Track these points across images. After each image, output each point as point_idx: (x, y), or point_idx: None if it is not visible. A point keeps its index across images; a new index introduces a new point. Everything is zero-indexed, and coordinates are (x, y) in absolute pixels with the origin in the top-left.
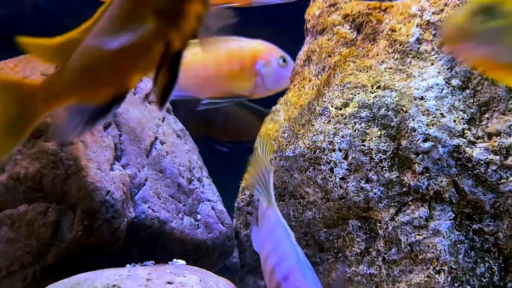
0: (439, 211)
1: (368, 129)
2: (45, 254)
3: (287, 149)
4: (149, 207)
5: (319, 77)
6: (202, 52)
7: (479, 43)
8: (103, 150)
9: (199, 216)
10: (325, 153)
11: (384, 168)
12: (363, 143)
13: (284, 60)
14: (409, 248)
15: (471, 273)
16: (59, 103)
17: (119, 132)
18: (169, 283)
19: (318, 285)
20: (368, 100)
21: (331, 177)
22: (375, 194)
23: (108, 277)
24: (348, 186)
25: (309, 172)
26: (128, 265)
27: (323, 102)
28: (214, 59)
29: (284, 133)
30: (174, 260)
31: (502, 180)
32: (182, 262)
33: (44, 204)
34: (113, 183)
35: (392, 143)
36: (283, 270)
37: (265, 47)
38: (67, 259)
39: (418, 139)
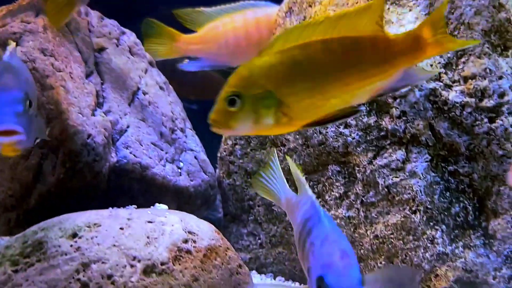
0: (415, 153)
1: None
2: (27, 197)
3: None
4: (130, 153)
5: None
6: (232, 22)
7: None
8: (85, 96)
9: (181, 164)
10: None
11: (362, 113)
12: None
13: None
14: (386, 190)
15: (446, 213)
16: None
17: (101, 81)
18: (150, 222)
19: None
20: None
21: None
22: (353, 138)
23: (90, 216)
24: (327, 132)
25: None
26: (110, 208)
27: None
28: (244, 27)
29: None
30: (156, 204)
31: (477, 122)
32: (164, 206)
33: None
34: (94, 127)
35: None
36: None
37: None
38: (50, 203)
39: None
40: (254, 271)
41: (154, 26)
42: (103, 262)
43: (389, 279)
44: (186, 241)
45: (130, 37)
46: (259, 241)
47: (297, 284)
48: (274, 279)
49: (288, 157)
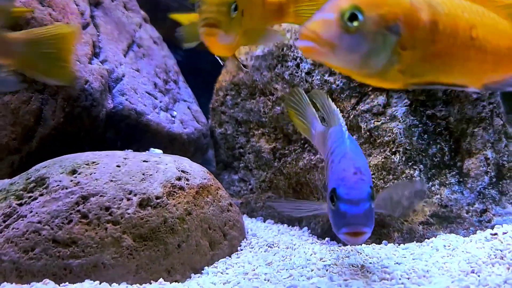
0: (396, 98)
1: None
2: (30, 140)
3: (257, 49)
4: (126, 99)
5: None
6: None
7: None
8: (82, 45)
9: (175, 113)
10: (292, 49)
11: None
12: None
13: None
14: (368, 133)
15: (423, 154)
16: None
17: (98, 33)
18: (145, 161)
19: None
20: None
21: (297, 72)
22: (338, 86)
23: (88, 155)
24: (313, 80)
25: (277, 69)
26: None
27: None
28: None
29: None
30: (151, 148)
31: None
32: (159, 151)
33: (27, 93)
34: (92, 74)
35: None
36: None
37: None
38: (51, 146)
39: None
40: (245, 215)
41: None
42: (101, 196)
43: (399, 192)
44: (179, 179)
45: None
46: (250, 186)
47: (285, 225)
48: (264, 222)
49: (321, 92)
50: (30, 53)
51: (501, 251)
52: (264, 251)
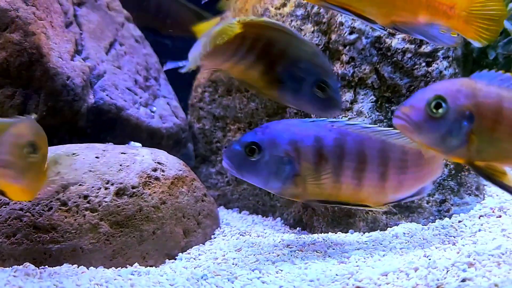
0: (362, 95)
1: (303, 25)
2: None
3: None
4: (107, 95)
5: None
6: None
7: None
8: (65, 43)
9: (154, 108)
10: None
11: None
12: None
13: None
14: None
15: None
16: None
17: (80, 31)
18: (123, 153)
19: None
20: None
21: None
22: None
23: (69, 147)
24: None
25: None
26: None
27: (265, 4)
28: None
29: None
30: (131, 142)
31: (416, 66)
32: (138, 144)
33: (11, 88)
34: (73, 70)
35: (324, 37)
36: None
37: None
38: None
39: (345, 32)
40: (222, 207)
41: None
42: (80, 185)
43: None
44: (155, 170)
45: None
46: (226, 179)
47: (259, 216)
48: (239, 213)
49: None
50: None
51: (454, 237)
52: (236, 239)
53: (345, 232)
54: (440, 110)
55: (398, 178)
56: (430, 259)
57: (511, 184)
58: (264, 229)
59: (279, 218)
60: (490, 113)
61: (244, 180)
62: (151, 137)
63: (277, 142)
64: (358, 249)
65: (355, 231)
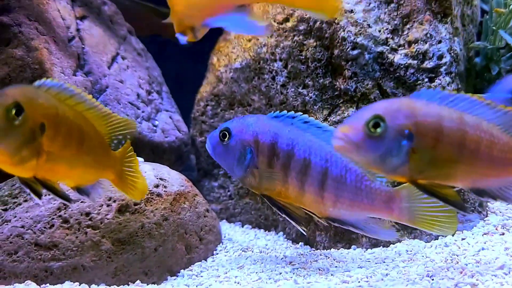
0: None
1: (305, 40)
2: None
3: (235, 62)
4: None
5: None
6: None
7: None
8: (67, 58)
9: (156, 122)
10: (268, 63)
11: (319, 75)
12: (300, 53)
13: None
14: None
15: None
16: None
17: (83, 45)
18: None
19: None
20: (306, 14)
21: (273, 85)
22: (311, 98)
23: None
24: (288, 92)
25: (254, 81)
26: None
27: (267, 18)
28: None
29: (234, 48)
30: None
31: (419, 82)
32: (140, 159)
33: None
34: (76, 86)
35: (326, 52)
36: None
37: None
38: None
39: (348, 47)
40: (224, 220)
41: None
42: (82, 202)
43: None
44: (157, 186)
45: (111, 7)
46: (229, 193)
47: (262, 230)
48: (242, 227)
49: None
50: None
51: (457, 256)
52: (238, 255)
53: (348, 248)
54: (379, 130)
55: (335, 193)
56: (433, 279)
57: (456, 199)
58: (267, 244)
59: (281, 233)
60: (430, 132)
61: (217, 162)
62: (153, 152)
63: (243, 131)
64: (360, 267)
65: (357, 247)
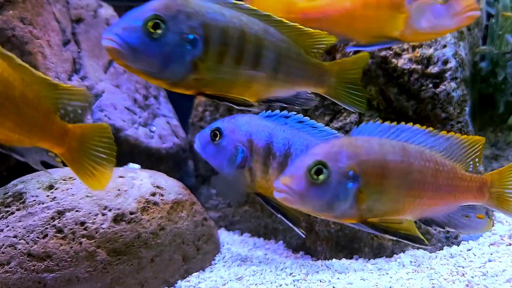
0: (368, 117)
1: None
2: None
3: None
4: (105, 115)
5: None
6: None
7: None
8: (62, 62)
9: (154, 128)
10: None
11: None
12: None
13: None
14: None
15: None
16: None
17: (78, 49)
18: (121, 177)
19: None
20: None
21: None
22: None
23: (65, 171)
24: None
25: None
26: None
27: None
28: None
29: None
30: (130, 163)
31: (423, 88)
32: (137, 166)
33: None
34: None
35: (328, 57)
36: None
37: None
38: None
39: (350, 52)
40: (222, 228)
41: None
42: (77, 211)
43: None
44: (154, 194)
45: (107, 10)
46: (227, 200)
47: (261, 239)
48: (241, 235)
49: None
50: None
51: (463, 267)
52: (237, 266)
53: (350, 258)
54: (321, 176)
55: None
56: None
57: (408, 232)
58: (266, 254)
59: (281, 242)
60: (375, 170)
61: (207, 161)
62: (150, 158)
63: (235, 131)
64: (363, 279)
65: (360, 257)
